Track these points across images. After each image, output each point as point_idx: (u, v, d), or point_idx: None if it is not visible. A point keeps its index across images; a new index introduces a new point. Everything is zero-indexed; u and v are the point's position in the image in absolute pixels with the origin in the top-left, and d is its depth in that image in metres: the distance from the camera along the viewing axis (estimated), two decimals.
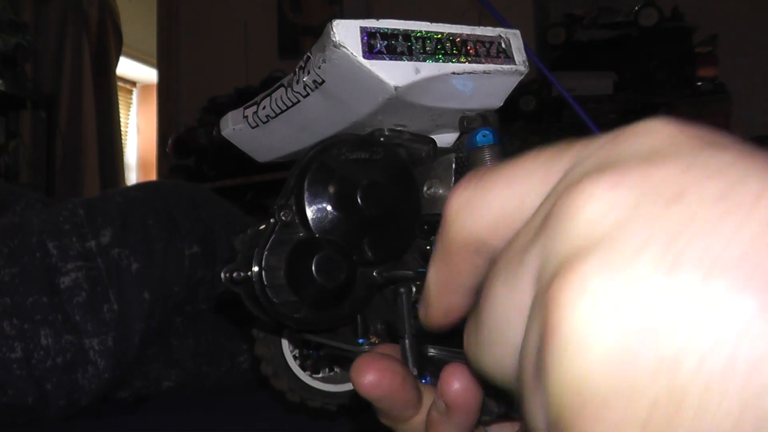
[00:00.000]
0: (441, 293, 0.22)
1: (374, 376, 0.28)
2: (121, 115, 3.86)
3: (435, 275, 0.22)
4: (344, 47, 0.30)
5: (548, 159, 0.18)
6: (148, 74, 4.13)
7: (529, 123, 2.29)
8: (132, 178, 4.19)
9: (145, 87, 4.39)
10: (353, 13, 2.84)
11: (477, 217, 0.19)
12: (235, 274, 0.31)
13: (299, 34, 3.00)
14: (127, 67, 4.09)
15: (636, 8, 2.34)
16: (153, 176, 3.83)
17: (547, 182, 0.18)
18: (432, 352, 0.32)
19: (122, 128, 3.94)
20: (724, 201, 0.14)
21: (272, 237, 0.32)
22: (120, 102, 3.81)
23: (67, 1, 3.35)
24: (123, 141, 3.93)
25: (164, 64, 3.34)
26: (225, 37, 3.09)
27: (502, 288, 0.18)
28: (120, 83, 3.92)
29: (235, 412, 0.78)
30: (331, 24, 0.30)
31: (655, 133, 0.17)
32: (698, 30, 2.34)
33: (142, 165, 4.35)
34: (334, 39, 0.30)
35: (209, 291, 0.81)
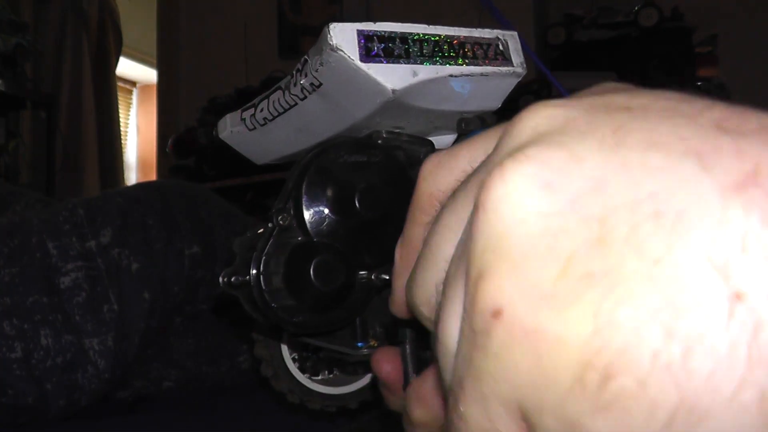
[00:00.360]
0: (405, 262, 0.24)
1: (390, 366, 0.31)
2: (121, 115, 3.86)
3: (401, 245, 0.25)
4: (341, 50, 0.30)
5: (496, 130, 0.20)
6: (148, 74, 4.13)
7: None
8: (132, 178, 4.19)
9: (145, 87, 4.39)
10: (353, 13, 2.84)
11: (443, 175, 0.22)
12: (233, 278, 0.31)
13: (299, 34, 3.00)
14: (127, 67, 4.10)
15: (636, 8, 2.34)
16: (153, 176, 3.83)
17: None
18: (431, 353, 0.32)
19: (122, 128, 3.94)
20: (667, 111, 0.15)
21: (270, 241, 0.32)
22: (120, 102, 3.81)
23: (67, 1, 3.35)
24: (123, 141, 3.93)
25: (164, 64, 3.34)
26: (225, 37, 3.09)
27: (445, 214, 0.19)
28: (120, 83, 3.92)
29: (235, 412, 0.78)
30: (328, 27, 0.30)
31: (602, 86, 0.18)
32: (698, 30, 2.34)
33: (142, 165, 4.35)
34: (330, 42, 0.30)
35: (209, 291, 0.81)
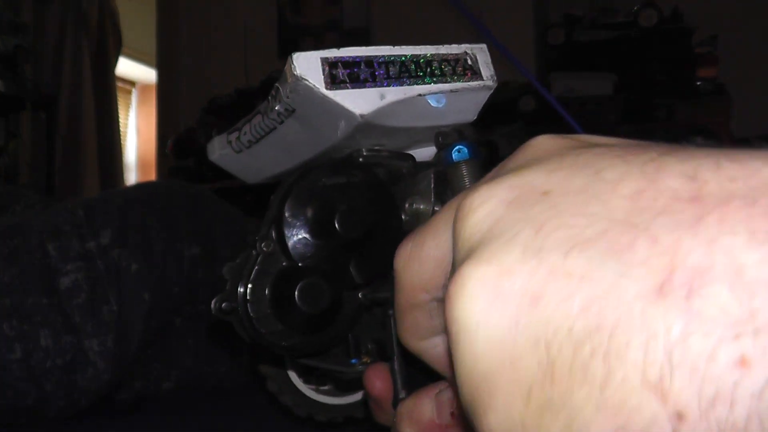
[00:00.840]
0: (408, 329, 0.26)
1: (381, 383, 0.32)
2: (120, 115, 3.86)
3: (399, 316, 0.26)
4: (306, 80, 0.30)
5: (451, 207, 0.21)
6: (148, 74, 4.13)
7: (528, 124, 2.28)
8: (132, 178, 4.19)
9: (145, 87, 4.39)
10: (353, 13, 2.83)
11: (416, 268, 0.23)
12: (224, 305, 0.32)
13: (299, 35, 3.00)
14: (126, 68, 4.10)
15: (636, 9, 2.34)
16: (152, 177, 3.83)
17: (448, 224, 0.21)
18: (421, 368, 0.33)
19: (122, 129, 3.94)
20: (583, 193, 0.15)
21: (255, 268, 0.32)
22: (119, 102, 3.81)
23: (67, 2, 3.35)
24: (122, 141, 3.93)
25: (164, 64, 3.34)
26: (225, 38, 3.09)
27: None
28: (119, 83, 3.92)
29: (235, 412, 0.78)
30: (291, 57, 0.30)
31: (533, 146, 0.19)
32: (698, 30, 2.34)
33: (141, 165, 4.35)
34: (295, 72, 0.30)
35: (209, 292, 0.81)
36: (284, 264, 0.33)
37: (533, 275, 0.15)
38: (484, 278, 0.16)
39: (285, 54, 3.02)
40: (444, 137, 0.33)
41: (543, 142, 0.19)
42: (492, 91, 0.34)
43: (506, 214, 0.16)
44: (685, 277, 0.13)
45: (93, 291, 0.73)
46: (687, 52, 2.32)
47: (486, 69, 0.34)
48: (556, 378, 0.14)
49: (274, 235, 0.33)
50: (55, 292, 0.72)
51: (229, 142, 0.38)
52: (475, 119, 0.35)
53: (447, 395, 0.28)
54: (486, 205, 0.17)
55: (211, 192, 0.93)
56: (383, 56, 0.32)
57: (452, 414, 0.28)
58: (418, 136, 0.35)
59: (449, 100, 0.33)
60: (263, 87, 2.53)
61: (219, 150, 0.39)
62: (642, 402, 0.13)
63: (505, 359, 0.15)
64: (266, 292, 0.32)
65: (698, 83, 2.29)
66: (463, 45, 0.33)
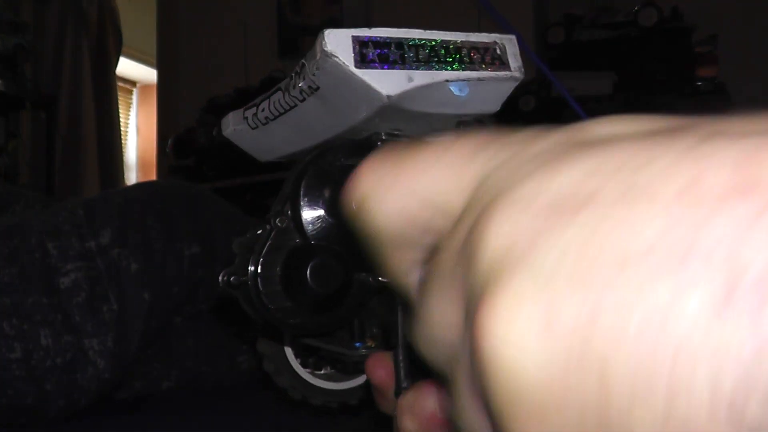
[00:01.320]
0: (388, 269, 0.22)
1: (383, 371, 0.32)
2: (120, 115, 3.86)
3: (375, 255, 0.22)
4: (335, 57, 0.30)
5: (463, 155, 0.19)
6: (148, 74, 4.13)
7: (528, 123, 2.28)
8: (132, 178, 4.19)
9: (145, 87, 4.39)
10: (353, 13, 2.83)
11: (396, 200, 0.19)
12: (232, 279, 0.32)
13: (299, 34, 3.00)
14: (126, 67, 4.10)
15: (635, 8, 2.34)
16: (153, 176, 3.83)
17: (462, 180, 0.18)
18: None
19: (122, 128, 3.94)
20: (624, 200, 0.14)
21: (268, 243, 0.32)
22: (120, 102, 3.82)
23: (66, 2, 3.35)
24: (123, 141, 3.93)
25: (164, 64, 3.34)
26: (225, 37, 3.09)
27: (435, 303, 0.18)
28: (120, 83, 3.92)
29: (235, 412, 0.78)
30: (323, 33, 0.30)
31: (553, 137, 0.17)
32: (698, 30, 2.34)
33: (141, 165, 4.35)
34: (325, 48, 0.30)
35: (209, 291, 0.81)
36: (297, 241, 0.33)
37: (584, 303, 0.14)
38: (528, 310, 0.14)
39: (285, 54, 3.03)
40: (464, 127, 0.33)
41: (562, 135, 0.17)
42: (518, 82, 0.34)
43: (545, 228, 0.15)
44: (752, 286, 0.12)
45: (93, 290, 0.73)
46: (687, 52, 2.32)
47: (514, 60, 0.34)
48: (614, 410, 0.13)
49: (289, 211, 0.33)
50: (55, 291, 0.72)
51: (245, 118, 0.37)
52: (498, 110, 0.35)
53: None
54: (516, 218, 0.15)
55: (211, 191, 0.93)
56: (414, 39, 0.32)
57: None
58: (438, 125, 0.35)
59: (472, 89, 0.33)
60: (263, 87, 2.53)
61: (234, 125, 0.39)
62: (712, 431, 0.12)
63: (557, 395, 0.14)
64: (277, 268, 0.32)
65: (698, 83, 2.30)
66: (492, 35, 0.33)
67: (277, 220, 0.33)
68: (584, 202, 0.15)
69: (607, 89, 2.30)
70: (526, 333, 0.14)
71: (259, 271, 0.32)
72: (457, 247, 0.17)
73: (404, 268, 0.21)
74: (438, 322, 0.18)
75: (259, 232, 0.33)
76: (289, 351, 0.41)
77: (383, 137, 0.35)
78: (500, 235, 0.15)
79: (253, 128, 0.37)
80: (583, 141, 0.16)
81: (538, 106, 2.28)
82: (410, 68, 0.31)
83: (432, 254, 0.19)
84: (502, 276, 0.15)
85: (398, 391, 0.31)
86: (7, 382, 0.68)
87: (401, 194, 0.19)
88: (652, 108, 2.23)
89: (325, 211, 0.33)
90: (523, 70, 0.34)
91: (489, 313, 0.15)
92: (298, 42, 2.97)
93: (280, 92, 0.34)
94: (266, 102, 0.36)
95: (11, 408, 0.69)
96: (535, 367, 0.14)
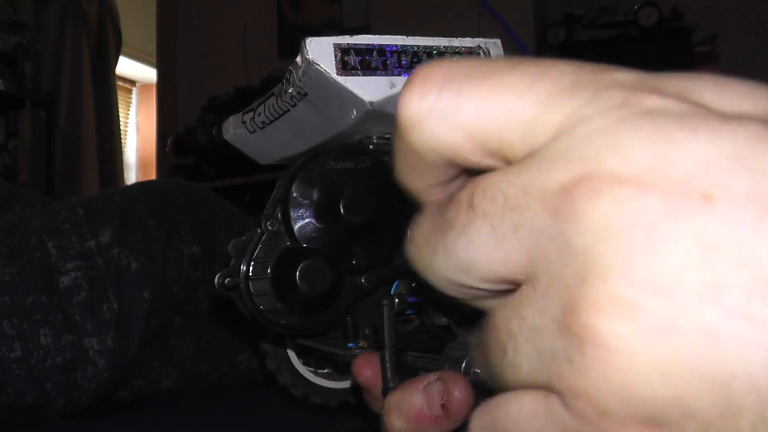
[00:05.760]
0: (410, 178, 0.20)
1: (370, 371, 0.32)
2: (120, 114, 3.86)
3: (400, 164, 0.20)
4: (317, 64, 0.31)
5: (545, 77, 0.17)
6: (148, 74, 4.13)
7: None
8: (132, 177, 4.19)
9: (145, 86, 4.39)
10: (353, 13, 2.83)
11: (448, 126, 0.17)
12: (227, 280, 0.32)
13: (299, 34, 2.99)
14: (126, 67, 4.09)
15: (635, 7, 2.34)
16: (152, 176, 3.83)
17: (527, 123, 0.16)
18: (411, 359, 0.34)
19: (122, 128, 3.94)
20: (750, 203, 0.13)
21: (259, 246, 0.33)
22: (119, 101, 3.81)
23: (66, 1, 3.34)
24: (122, 140, 3.93)
25: (164, 64, 3.33)
26: (225, 37, 3.09)
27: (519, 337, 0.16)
28: (119, 82, 3.92)
29: (234, 412, 0.78)
30: (305, 41, 0.31)
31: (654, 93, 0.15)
32: (698, 29, 2.34)
33: (141, 164, 4.35)
34: (307, 56, 0.31)
35: (209, 291, 0.81)
36: (288, 244, 0.33)
37: (711, 314, 0.13)
38: (651, 314, 0.13)
39: (285, 53, 3.02)
40: None
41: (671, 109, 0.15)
42: None
43: (661, 222, 0.13)
44: None
45: (93, 290, 0.73)
46: (687, 51, 2.32)
47: None
48: (741, 422, 0.13)
49: (279, 214, 0.34)
50: (55, 290, 0.72)
51: (244, 122, 0.38)
52: None
53: (437, 387, 0.28)
54: (629, 200, 0.14)
55: (211, 191, 0.93)
56: (396, 45, 0.32)
57: (443, 405, 0.28)
58: None
59: None
60: (263, 86, 2.53)
61: (233, 129, 0.39)
62: None
63: (673, 395, 0.14)
64: (268, 270, 0.33)
65: None
66: (477, 39, 0.34)
67: (268, 223, 0.33)
68: (703, 198, 0.13)
69: None
70: (645, 330, 0.14)
71: (250, 273, 0.33)
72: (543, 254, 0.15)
73: (429, 184, 0.19)
74: (522, 349, 0.16)
75: (252, 234, 0.34)
76: (291, 350, 0.42)
77: (375, 141, 0.35)
78: (607, 219, 0.14)
79: (251, 132, 0.38)
80: (697, 113, 0.14)
81: None
82: (392, 74, 0.32)
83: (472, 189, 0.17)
84: (610, 263, 0.14)
85: (386, 391, 0.31)
86: (6, 381, 0.68)
87: (453, 127, 0.17)
88: None
89: (315, 215, 0.34)
90: None
91: (604, 307, 0.14)
92: (298, 42, 2.96)
93: (273, 97, 0.35)
94: (262, 106, 0.37)
95: (11, 407, 0.69)
96: (654, 365, 0.14)
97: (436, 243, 0.18)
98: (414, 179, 0.20)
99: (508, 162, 0.17)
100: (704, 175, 0.13)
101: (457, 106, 0.17)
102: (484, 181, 0.17)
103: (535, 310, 0.15)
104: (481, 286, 0.17)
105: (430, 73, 0.18)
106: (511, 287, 0.17)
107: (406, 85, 0.18)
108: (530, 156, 0.16)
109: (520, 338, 0.16)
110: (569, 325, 0.14)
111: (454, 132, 0.17)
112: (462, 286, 0.17)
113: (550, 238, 0.15)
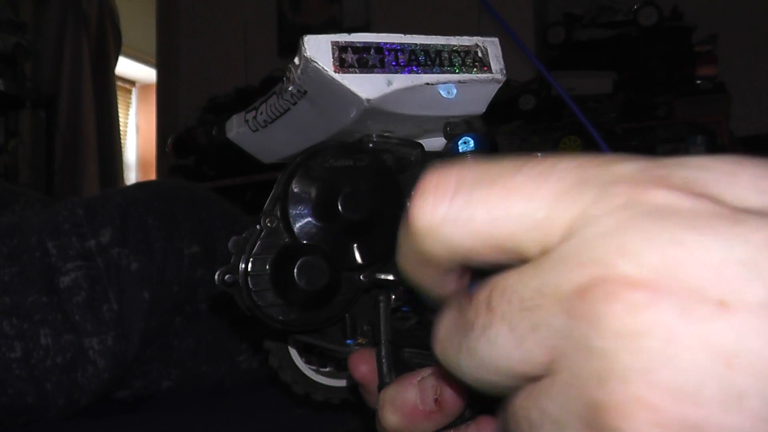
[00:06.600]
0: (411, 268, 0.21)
1: (366, 367, 0.33)
2: (120, 114, 3.86)
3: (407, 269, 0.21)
4: (315, 62, 0.31)
5: (550, 177, 0.17)
6: (148, 74, 4.13)
7: (528, 122, 2.28)
8: (131, 177, 4.19)
9: (145, 86, 4.39)
10: (353, 13, 2.83)
11: (461, 233, 0.18)
12: (227, 277, 0.33)
13: (299, 34, 2.99)
14: (126, 67, 4.09)
15: (635, 7, 2.34)
16: (152, 176, 3.83)
17: (540, 225, 0.17)
18: (408, 355, 0.34)
19: (121, 128, 3.94)
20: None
21: (258, 243, 0.33)
22: (119, 101, 3.81)
23: (66, 1, 3.35)
24: (122, 141, 3.93)
25: (164, 64, 3.33)
26: (225, 37, 3.09)
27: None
28: (119, 83, 3.92)
29: (235, 412, 0.78)
30: (303, 39, 0.31)
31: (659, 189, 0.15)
32: (698, 29, 2.34)
33: (141, 165, 4.35)
34: (305, 54, 0.31)
35: (209, 290, 0.81)
36: (286, 241, 0.34)
37: (738, 422, 0.13)
38: (677, 419, 0.14)
39: (285, 53, 3.02)
40: (452, 128, 0.34)
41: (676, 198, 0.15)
42: (501, 84, 0.34)
43: (678, 327, 0.14)
44: None
45: (93, 290, 0.73)
46: (687, 51, 2.32)
47: (496, 62, 0.34)
48: None
49: (278, 212, 0.34)
50: (55, 290, 0.72)
51: (246, 121, 0.38)
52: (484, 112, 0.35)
53: (431, 381, 0.28)
54: (644, 304, 0.14)
55: (211, 191, 0.93)
56: (393, 44, 0.32)
57: (436, 400, 0.28)
58: (427, 126, 0.35)
59: (459, 92, 0.33)
60: (263, 86, 2.53)
61: (236, 128, 0.40)
62: None
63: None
64: (267, 266, 0.33)
65: (698, 81, 2.29)
66: (474, 37, 0.34)
67: (267, 220, 0.34)
68: (719, 305, 0.14)
69: (606, 88, 2.30)
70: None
71: (249, 269, 0.33)
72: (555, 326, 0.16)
73: (437, 281, 0.20)
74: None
75: (251, 231, 0.34)
76: (292, 348, 0.42)
77: (374, 139, 0.36)
78: (616, 315, 0.14)
79: (254, 131, 0.38)
80: (705, 211, 0.15)
81: (538, 106, 2.28)
82: (390, 72, 0.32)
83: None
84: (630, 370, 0.14)
85: (381, 386, 0.32)
86: (7, 381, 0.68)
87: (467, 234, 0.18)
88: (652, 106, 2.23)
89: (313, 212, 0.34)
90: (505, 72, 0.34)
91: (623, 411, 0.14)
92: (298, 42, 2.97)
93: (275, 95, 0.35)
94: (264, 105, 0.37)
95: (11, 407, 0.69)
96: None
97: (459, 343, 0.18)
98: (422, 276, 0.20)
99: (523, 259, 0.17)
100: (718, 282, 0.14)
101: (470, 214, 0.18)
102: (501, 282, 0.17)
103: (555, 403, 0.16)
104: (504, 382, 0.17)
105: (441, 182, 0.18)
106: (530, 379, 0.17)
107: (417, 192, 0.18)
108: (543, 255, 0.16)
109: (542, 429, 0.16)
110: (596, 425, 0.15)
111: (468, 238, 0.18)
112: (488, 382, 0.18)
113: (567, 337, 0.15)
